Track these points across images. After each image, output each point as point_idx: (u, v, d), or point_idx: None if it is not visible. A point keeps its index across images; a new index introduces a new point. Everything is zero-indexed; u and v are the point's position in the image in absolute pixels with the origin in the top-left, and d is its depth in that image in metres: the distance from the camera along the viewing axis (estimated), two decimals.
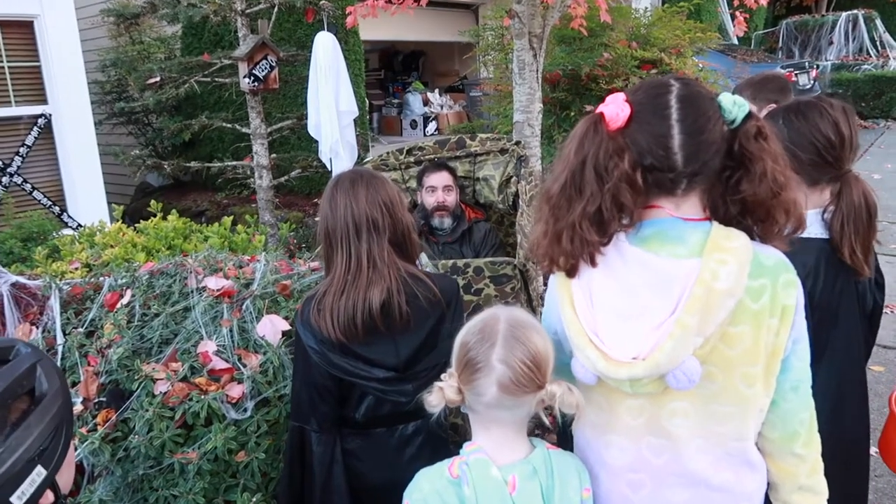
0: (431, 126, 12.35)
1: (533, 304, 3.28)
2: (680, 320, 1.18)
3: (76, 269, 3.23)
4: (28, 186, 6.27)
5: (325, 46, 3.56)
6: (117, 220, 3.87)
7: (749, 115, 1.25)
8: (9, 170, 6.14)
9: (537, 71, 4.16)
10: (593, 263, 1.28)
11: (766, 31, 15.86)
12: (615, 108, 1.25)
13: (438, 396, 1.33)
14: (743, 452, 1.33)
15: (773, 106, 2.68)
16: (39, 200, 6.33)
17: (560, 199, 1.28)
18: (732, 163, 1.26)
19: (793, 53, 14.96)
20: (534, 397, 1.31)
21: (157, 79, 4.65)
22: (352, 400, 1.82)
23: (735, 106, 1.24)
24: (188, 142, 7.62)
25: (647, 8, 6.75)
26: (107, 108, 8.34)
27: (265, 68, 3.97)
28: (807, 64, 11.59)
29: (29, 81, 6.23)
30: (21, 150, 6.20)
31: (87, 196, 6.43)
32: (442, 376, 1.36)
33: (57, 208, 6.42)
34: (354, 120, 4.33)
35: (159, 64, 5.37)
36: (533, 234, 1.38)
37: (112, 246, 3.38)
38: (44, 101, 6.27)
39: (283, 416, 2.05)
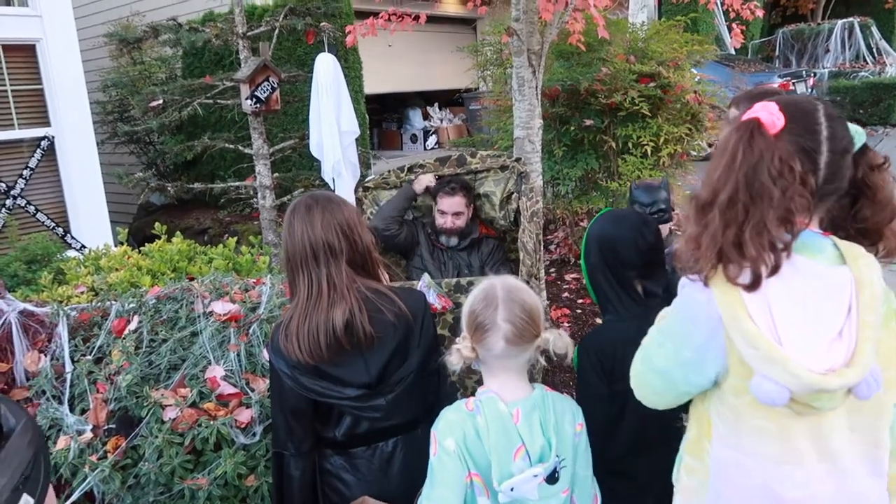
0: (432, 140, 12.39)
1: None
2: (865, 323, 1.20)
3: (82, 292, 3.24)
4: (32, 208, 6.30)
5: (326, 67, 3.59)
6: (122, 243, 3.89)
7: (865, 145, 1.29)
8: (12, 192, 6.17)
9: (536, 87, 4.19)
10: (777, 269, 1.20)
11: (762, 40, 15.93)
12: (770, 116, 1.23)
13: (457, 356, 1.60)
14: (882, 462, 1.31)
15: None
16: (43, 222, 6.35)
17: (733, 206, 1.22)
18: (854, 189, 1.29)
19: (790, 62, 15.02)
20: (533, 344, 1.60)
21: (160, 101, 4.69)
22: (331, 420, 1.85)
23: (857, 134, 1.28)
24: (190, 161, 7.66)
25: (643, 22, 6.79)
26: (108, 127, 8.39)
27: (267, 90, 4.00)
28: (804, 72, 11.64)
29: (32, 104, 6.27)
30: (24, 172, 6.24)
31: (90, 217, 6.46)
32: (457, 340, 1.63)
33: (60, 230, 6.44)
34: (356, 139, 4.35)
35: (161, 86, 5.41)
36: (687, 243, 1.29)
37: (117, 269, 3.40)
38: (46, 124, 6.31)
39: None
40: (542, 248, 4.37)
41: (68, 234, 6.47)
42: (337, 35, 4.31)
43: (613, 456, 2.11)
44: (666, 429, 2.29)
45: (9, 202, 6.16)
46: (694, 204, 1.29)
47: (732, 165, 1.23)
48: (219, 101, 4.51)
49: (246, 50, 4.17)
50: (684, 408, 2.37)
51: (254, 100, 4.01)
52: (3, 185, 6.12)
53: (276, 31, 4.25)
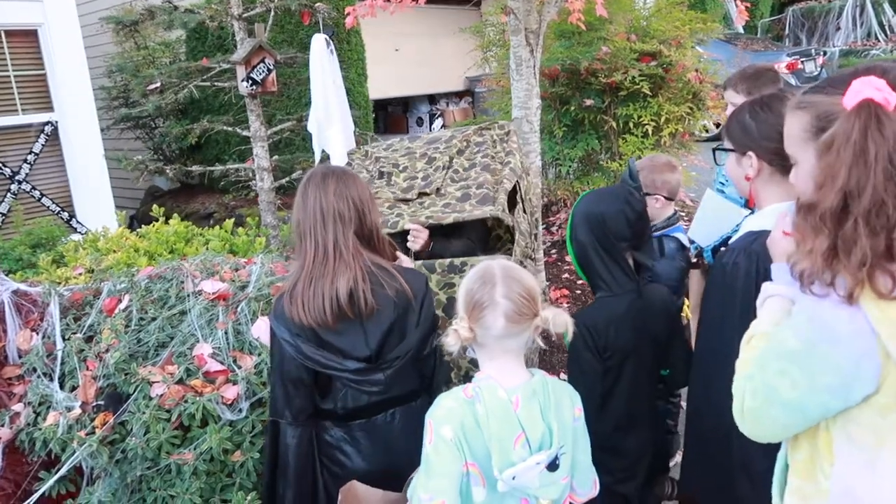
0: (437, 123, 12.36)
1: None
2: None
3: (80, 274, 3.27)
4: (37, 193, 6.34)
5: (315, 48, 3.60)
6: (121, 226, 3.92)
7: None
8: (17, 177, 6.21)
9: (535, 67, 4.16)
10: None
11: (772, 18, 15.71)
12: (880, 92, 1.07)
13: (454, 337, 1.56)
14: None
15: None
16: (48, 207, 6.40)
17: (882, 210, 1.06)
18: None
19: (800, 40, 14.83)
20: (531, 324, 1.57)
21: (158, 84, 4.70)
22: (332, 393, 1.88)
23: None
24: (195, 145, 7.68)
25: (646, 0, 6.73)
26: (114, 113, 8.42)
27: (263, 71, 4.00)
28: (813, 51, 11.47)
29: (35, 89, 6.30)
30: (29, 157, 6.28)
31: (94, 201, 6.50)
32: (453, 321, 1.59)
33: (66, 214, 6.49)
34: (356, 120, 4.33)
35: (160, 69, 5.42)
36: (815, 258, 1.13)
37: (115, 251, 3.43)
38: (50, 109, 6.34)
39: None
40: (539, 228, 4.35)
41: (73, 219, 6.51)
42: (334, 16, 4.29)
43: (603, 432, 2.13)
44: (651, 407, 2.32)
45: (14, 187, 6.21)
46: (818, 213, 1.11)
47: (865, 160, 1.05)
48: (216, 83, 4.52)
49: (242, 32, 4.17)
50: (666, 385, 2.39)
51: (249, 81, 4.01)
52: (8, 170, 6.16)
53: (272, 13, 4.23)
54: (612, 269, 2.13)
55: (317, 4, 4.05)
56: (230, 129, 4.46)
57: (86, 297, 2.44)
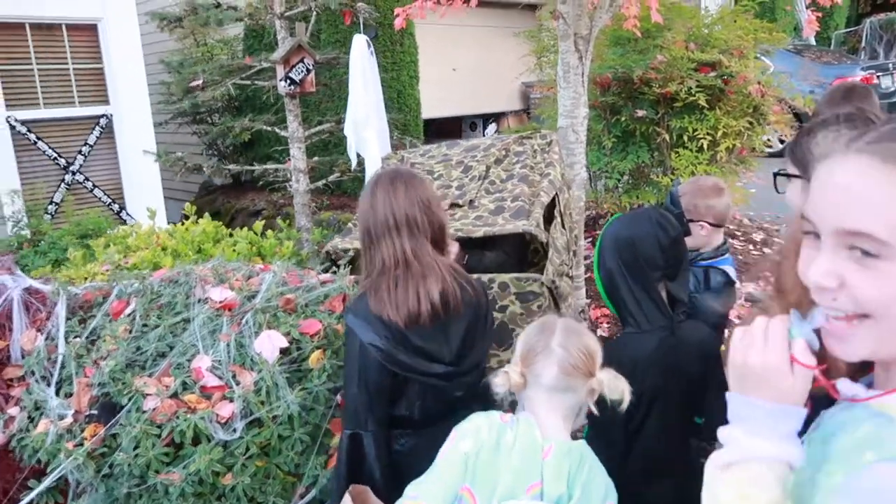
0: (491, 128, 12.21)
1: None
2: None
3: (107, 270, 3.25)
4: (89, 184, 6.47)
5: (355, 49, 3.51)
6: (182, 219, 3.88)
7: None
8: (72, 168, 6.35)
9: (583, 74, 3.97)
10: None
11: (847, 30, 14.95)
12: None
13: (504, 378, 1.52)
14: None
15: None
16: (100, 198, 6.52)
17: None
18: None
19: (877, 54, 14.02)
20: (585, 384, 1.49)
21: (200, 81, 4.71)
22: (409, 399, 1.83)
23: None
24: (248, 142, 7.73)
25: (707, 7, 6.42)
26: (171, 108, 8.57)
27: (301, 71, 3.94)
28: (891, 65, 10.81)
29: (92, 83, 6.43)
30: (83, 149, 6.41)
31: (145, 194, 6.60)
32: (507, 366, 1.55)
33: (116, 206, 6.60)
34: (395, 124, 4.24)
35: (202, 66, 5.44)
36: None
37: (143, 248, 3.40)
38: (105, 102, 6.47)
39: (276, 438, 1.97)
40: (581, 243, 4.15)
41: (123, 211, 6.62)
42: (375, 16, 4.20)
43: (625, 475, 1.95)
44: (682, 455, 2.10)
45: (68, 177, 6.34)
46: None
47: None
48: (256, 81, 4.48)
49: (284, 31, 4.11)
50: (695, 433, 2.18)
51: (288, 81, 3.95)
52: (64, 160, 6.30)
53: (315, 13, 4.17)
54: (641, 301, 1.93)
55: (358, 4, 3.96)
56: (269, 128, 4.42)
57: (96, 298, 2.38)
